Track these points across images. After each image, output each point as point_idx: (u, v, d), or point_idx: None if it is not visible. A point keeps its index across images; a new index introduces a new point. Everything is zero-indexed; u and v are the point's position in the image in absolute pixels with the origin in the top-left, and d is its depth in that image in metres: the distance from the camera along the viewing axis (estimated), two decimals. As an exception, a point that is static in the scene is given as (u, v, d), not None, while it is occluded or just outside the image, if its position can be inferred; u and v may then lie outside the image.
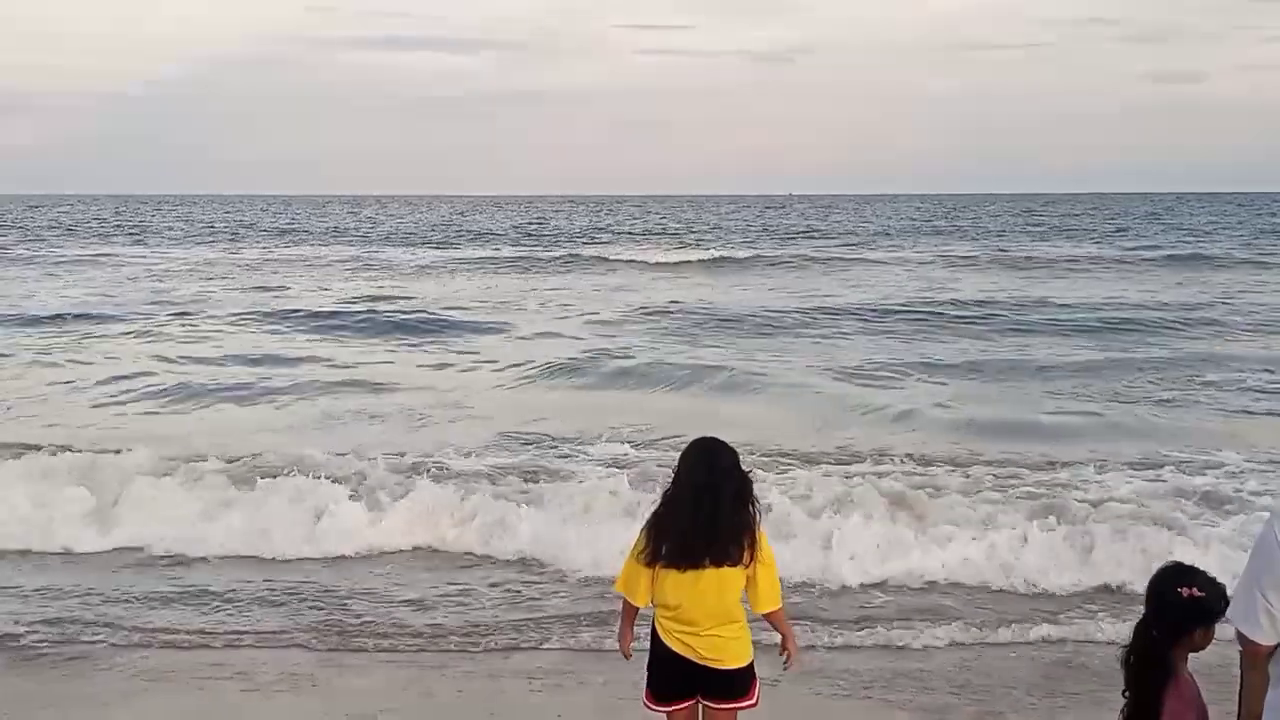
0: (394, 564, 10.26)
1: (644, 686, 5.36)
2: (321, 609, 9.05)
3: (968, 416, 15.92)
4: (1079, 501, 10.83)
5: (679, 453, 5.30)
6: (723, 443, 5.30)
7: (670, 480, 5.24)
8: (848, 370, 20.00)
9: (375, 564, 10.26)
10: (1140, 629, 4.14)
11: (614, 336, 24.75)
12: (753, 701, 5.31)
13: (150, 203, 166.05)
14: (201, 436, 14.51)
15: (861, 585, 9.52)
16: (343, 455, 12.80)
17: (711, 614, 5.15)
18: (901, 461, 12.95)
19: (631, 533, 5.39)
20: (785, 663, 5.45)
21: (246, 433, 14.93)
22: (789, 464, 12.78)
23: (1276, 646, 3.61)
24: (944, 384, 18.83)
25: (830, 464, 12.73)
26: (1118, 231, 69.57)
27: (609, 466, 12.67)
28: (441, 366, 21.23)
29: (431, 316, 28.26)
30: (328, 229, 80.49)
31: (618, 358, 21.39)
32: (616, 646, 5.65)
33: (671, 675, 5.25)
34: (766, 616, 5.35)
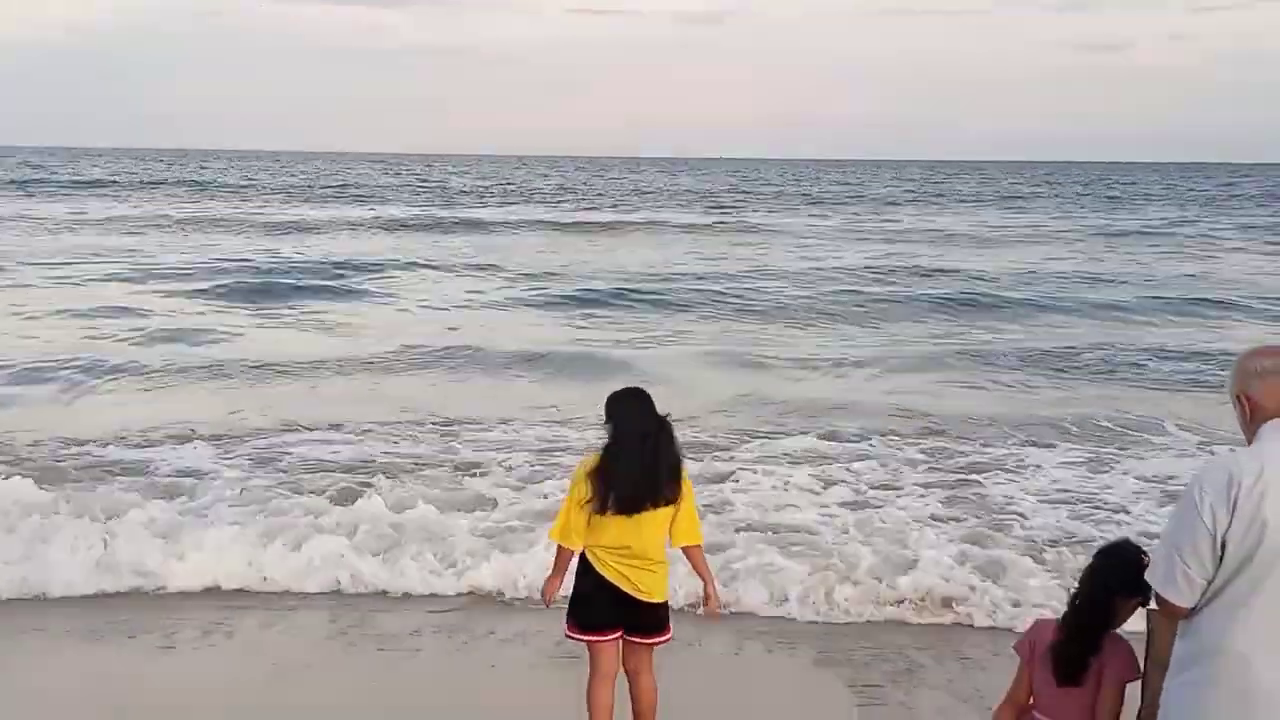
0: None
1: (567, 617, 5.60)
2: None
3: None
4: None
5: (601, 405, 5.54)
6: (645, 390, 5.61)
7: (608, 431, 5.45)
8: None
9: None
10: (1089, 594, 4.35)
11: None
12: (670, 636, 5.68)
13: (59, 154, 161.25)
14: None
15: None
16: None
17: (655, 551, 5.47)
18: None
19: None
20: (705, 607, 5.76)
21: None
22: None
23: (1190, 609, 3.64)
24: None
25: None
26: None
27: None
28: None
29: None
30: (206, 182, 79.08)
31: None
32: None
33: (602, 605, 5.50)
34: (686, 552, 5.66)
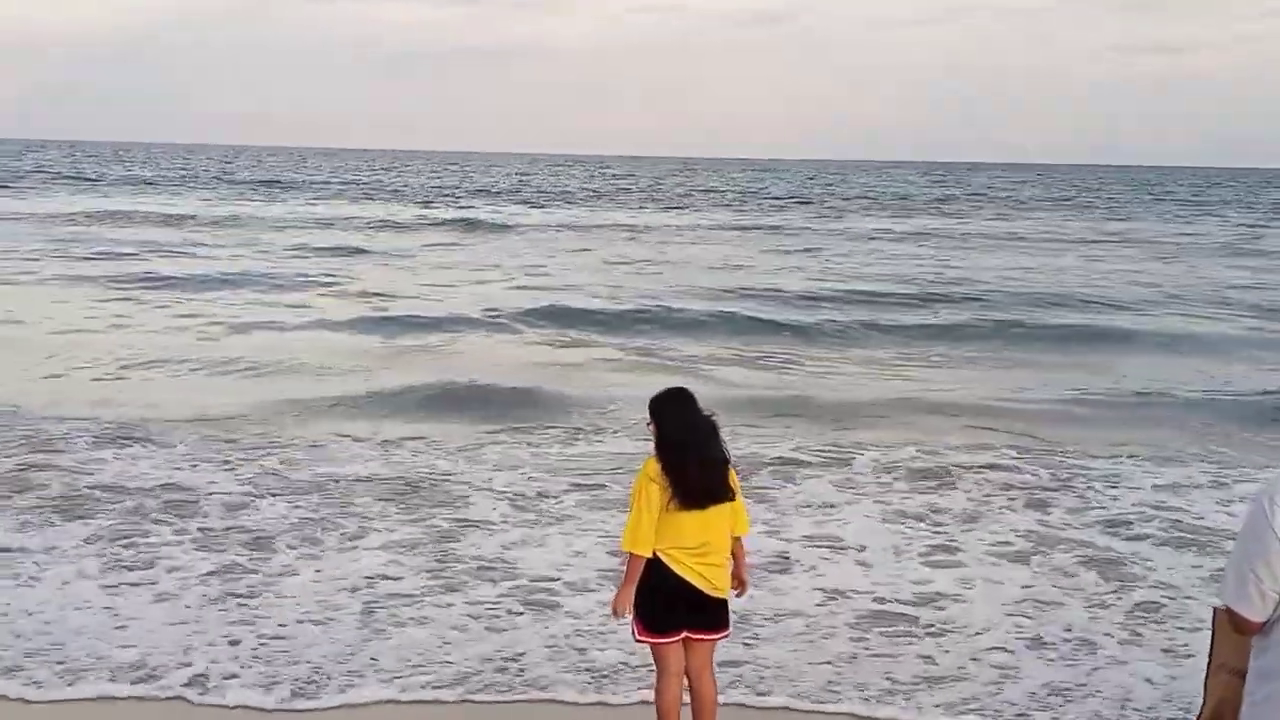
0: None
1: (636, 621, 5.59)
2: None
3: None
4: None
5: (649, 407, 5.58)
6: (688, 390, 5.71)
7: (657, 430, 5.49)
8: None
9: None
10: None
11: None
12: (730, 631, 5.89)
13: (106, 149, 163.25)
14: None
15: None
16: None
17: (726, 545, 5.60)
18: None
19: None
20: (738, 590, 5.80)
21: None
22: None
23: (1264, 623, 3.59)
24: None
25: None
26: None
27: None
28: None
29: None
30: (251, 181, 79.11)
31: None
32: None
33: (676, 606, 5.55)
34: (738, 539, 5.72)
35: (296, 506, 10.20)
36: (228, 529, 9.55)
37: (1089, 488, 11.29)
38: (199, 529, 9.53)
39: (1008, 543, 9.63)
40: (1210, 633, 4.25)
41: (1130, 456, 12.57)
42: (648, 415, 5.62)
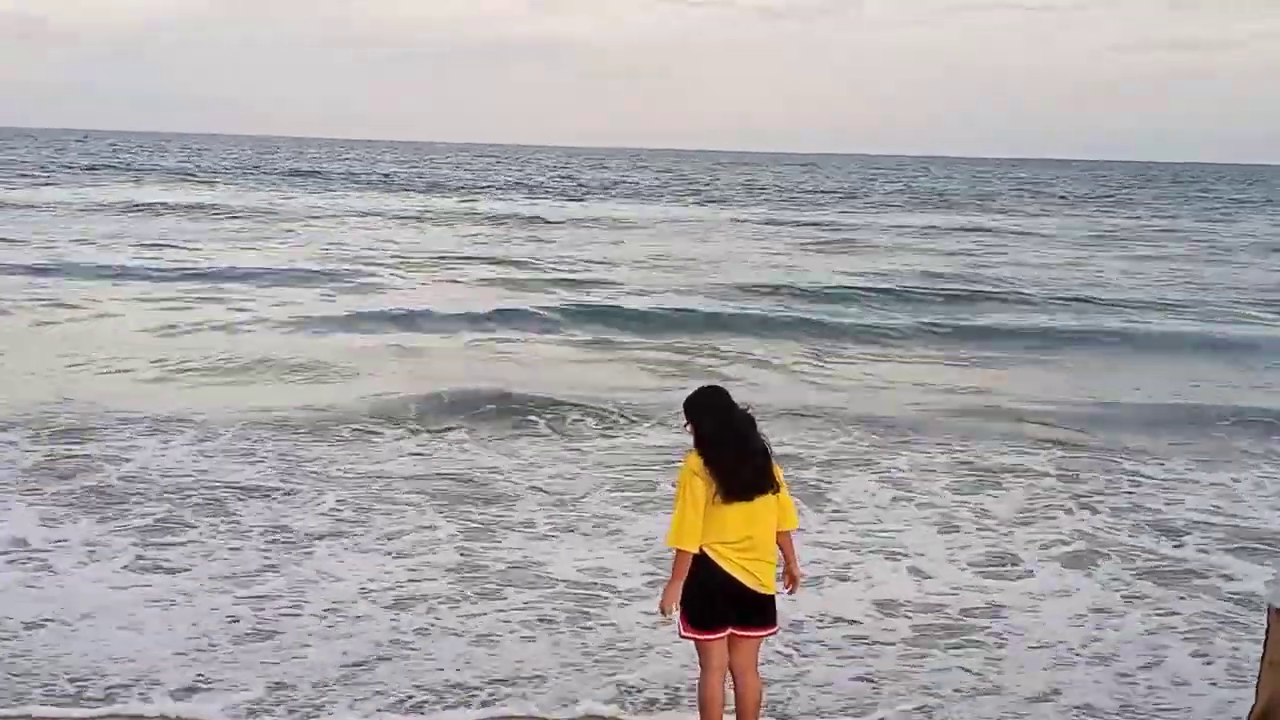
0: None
1: (681, 616, 5.54)
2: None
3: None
4: None
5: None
6: (722, 386, 5.79)
7: (695, 429, 5.49)
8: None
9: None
10: None
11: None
12: (777, 629, 5.84)
13: (152, 139, 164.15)
14: None
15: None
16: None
17: (772, 540, 5.57)
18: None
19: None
20: (790, 588, 5.77)
21: None
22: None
23: None
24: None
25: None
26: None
27: None
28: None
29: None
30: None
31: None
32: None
33: (722, 602, 5.50)
34: (786, 534, 5.68)
35: (338, 504, 9.99)
36: (261, 529, 9.34)
37: (1144, 491, 10.96)
38: (228, 527, 9.34)
39: (1062, 543, 9.36)
40: (1265, 633, 4.23)
41: (1183, 459, 12.21)
42: (684, 416, 5.60)
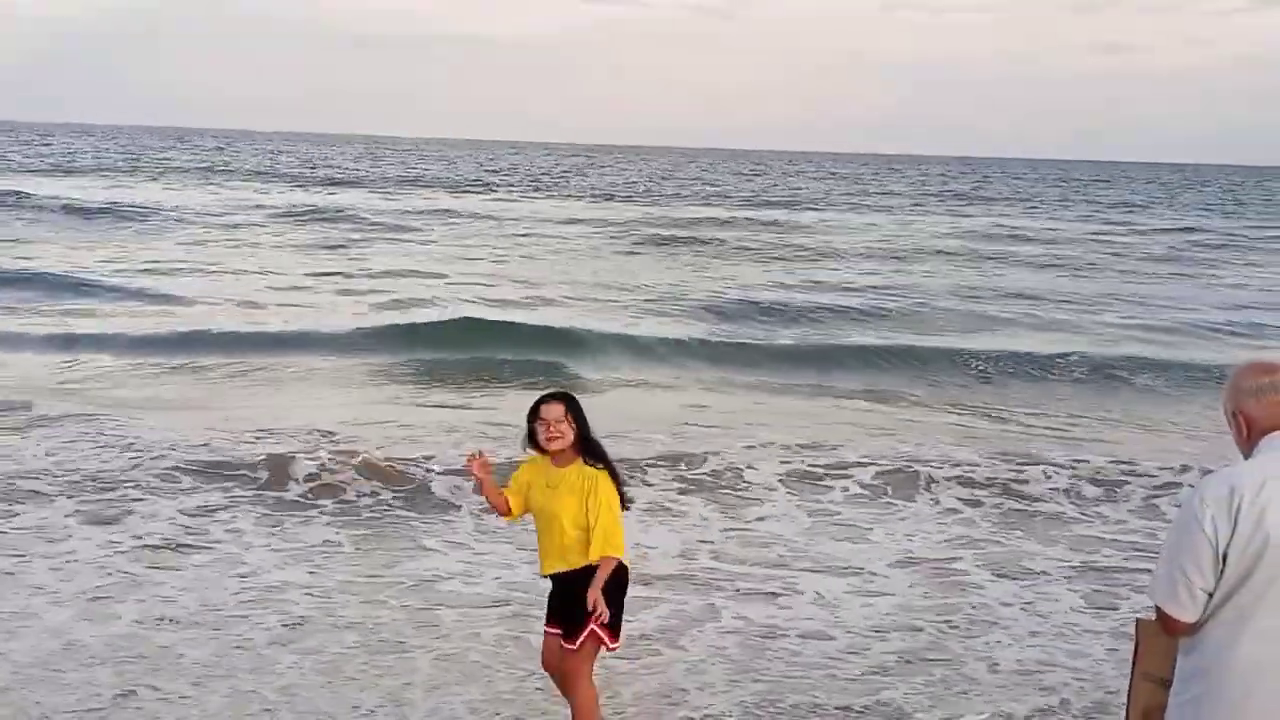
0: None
1: (606, 629, 5.62)
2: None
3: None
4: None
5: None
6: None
7: (580, 434, 5.61)
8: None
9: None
10: None
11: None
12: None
13: (87, 131, 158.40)
14: None
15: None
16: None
17: None
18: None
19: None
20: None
21: None
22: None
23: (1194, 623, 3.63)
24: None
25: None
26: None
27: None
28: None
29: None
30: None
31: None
32: None
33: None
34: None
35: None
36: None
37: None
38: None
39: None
40: (1134, 643, 4.32)
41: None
42: (559, 418, 5.56)
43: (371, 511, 10.14)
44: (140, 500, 10.04)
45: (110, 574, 8.40)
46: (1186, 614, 3.61)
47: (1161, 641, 3.90)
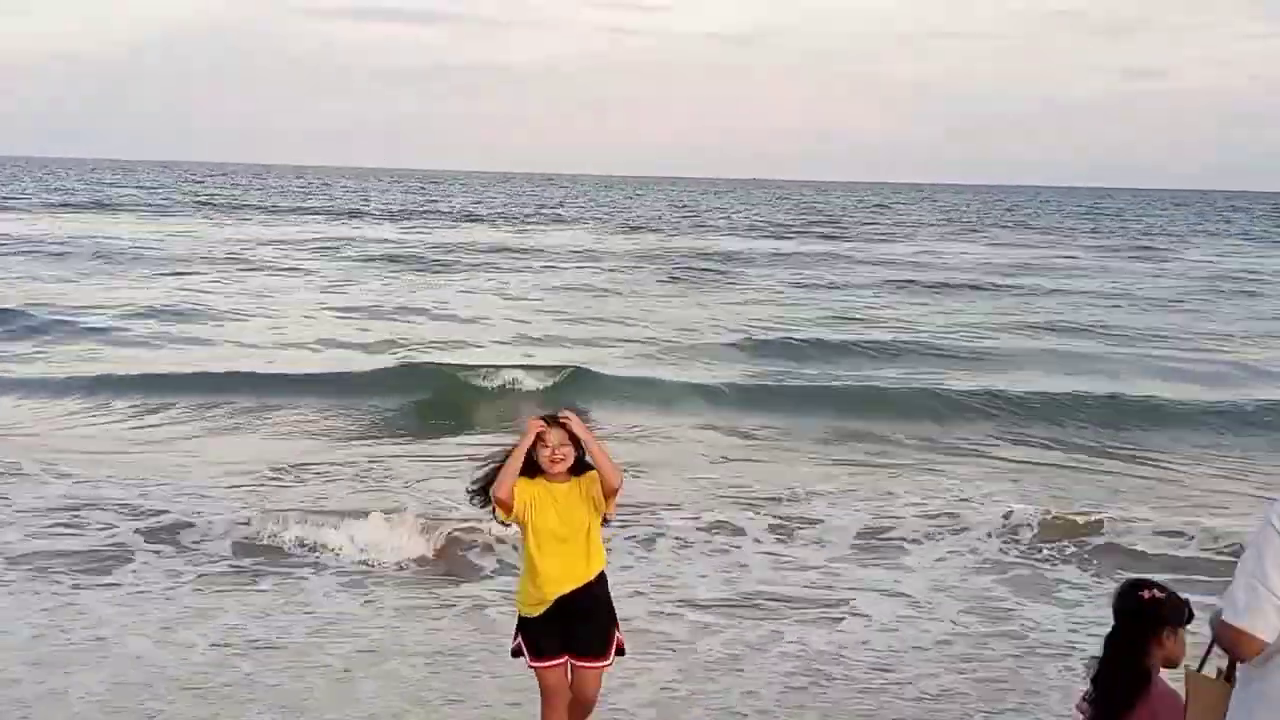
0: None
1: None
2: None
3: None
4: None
5: None
6: None
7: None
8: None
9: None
10: (1109, 639, 4.43)
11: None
12: None
13: (94, 167, 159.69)
14: None
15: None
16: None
17: None
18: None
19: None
20: None
21: None
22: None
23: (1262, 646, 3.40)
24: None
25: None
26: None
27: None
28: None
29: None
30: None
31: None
32: None
33: None
34: None
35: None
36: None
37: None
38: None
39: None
40: (1185, 689, 4.03)
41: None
42: (562, 441, 5.52)
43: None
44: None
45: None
46: (1268, 633, 3.37)
47: (1213, 694, 3.75)
